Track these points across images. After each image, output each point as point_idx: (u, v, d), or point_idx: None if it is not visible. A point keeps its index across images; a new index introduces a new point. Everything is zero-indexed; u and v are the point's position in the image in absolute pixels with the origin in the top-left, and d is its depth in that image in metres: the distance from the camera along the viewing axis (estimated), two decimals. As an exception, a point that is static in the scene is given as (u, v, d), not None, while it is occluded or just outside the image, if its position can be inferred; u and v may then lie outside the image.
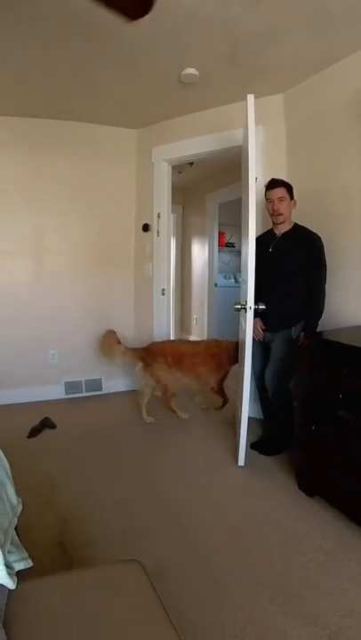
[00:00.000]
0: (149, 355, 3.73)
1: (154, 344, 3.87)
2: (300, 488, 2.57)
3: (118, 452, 3.08)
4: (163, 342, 3.91)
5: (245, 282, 2.81)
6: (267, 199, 2.95)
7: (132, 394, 4.45)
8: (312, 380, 2.45)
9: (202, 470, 2.85)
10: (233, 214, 5.86)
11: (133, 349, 3.81)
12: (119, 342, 3.85)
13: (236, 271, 7.25)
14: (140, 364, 3.73)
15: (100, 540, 2.09)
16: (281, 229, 2.97)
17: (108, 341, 3.87)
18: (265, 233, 3.13)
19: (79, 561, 1.94)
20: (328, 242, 2.85)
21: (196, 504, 2.45)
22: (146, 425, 3.62)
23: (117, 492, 2.56)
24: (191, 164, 5.04)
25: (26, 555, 1.40)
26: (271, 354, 3.02)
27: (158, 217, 4.22)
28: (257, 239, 3.06)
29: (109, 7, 1.74)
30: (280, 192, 2.89)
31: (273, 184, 2.92)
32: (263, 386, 3.13)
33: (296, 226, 2.95)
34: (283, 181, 2.92)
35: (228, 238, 7.48)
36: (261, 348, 3.13)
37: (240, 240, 4.46)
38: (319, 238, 2.84)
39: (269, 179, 2.99)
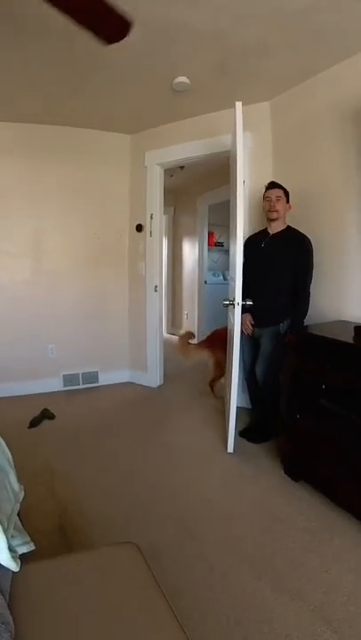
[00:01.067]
0: (211, 342, 4.09)
1: (212, 333, 4.21)
2: (285, 473, 2.58)
3: (115, 441, 3.08)
4: (216, 330, 4.22)
5: (233, 279, 2.82)
6: (265, 198, 2.97)
7: (128, 385, 4.45)
8: (297, 372, 2.46)
9: (194, 457, 2.86)
10: (222, 215, 5.85)
11: (199, 343, 4.24)
12: (189, 343, 4.28)
13: (225, 269, 7.26)
14: (207, 353, 4.07)
15: (97, 525, 2.09)
16: (274, 228, 2.98)
17: (181, 345, 4.27)
18: (258, 232, 3.14)
19: (78, 544, 1.94)
20: (312, 242, 2.86)
21: (188, 489, 2.45)
22: (140, 415, 3.62)
23: (114, 479, 2.56)
24: (182, 167, 5.04)
25: (28, 539, 1.40)
26: (261, 349, 3.02)
27: (151, 218, 4.20)
28: (249, 238, 3.09)
29: (88, 31, 1.75)
30: (278, 192, 2.92)
31: (273, 185, 2.96)
32: (252, 378, 3.14)
33: (289, 227, 2.96)
34: (280, 185, 2.95)
35: (217, 238, 7.48)
36: (251, 342, 3.13)
37: (228, 240, 4.47)
38: (310, 241, 2.85)
39: (259, 181, 3.01)
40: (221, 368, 3.90)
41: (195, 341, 4.45)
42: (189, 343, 4.30)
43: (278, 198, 2.91)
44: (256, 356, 3.07)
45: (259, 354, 3.04)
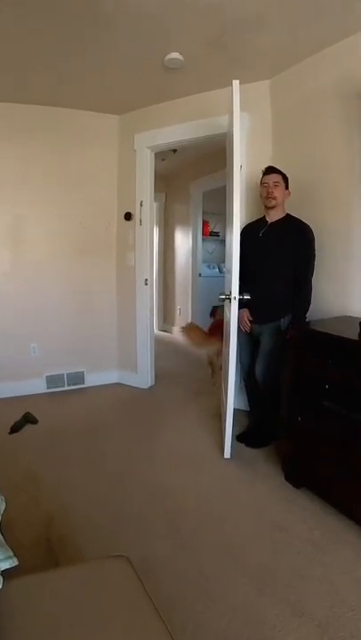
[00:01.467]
0: (215, 329, 4.27)
1: (215, 321, 4.42)
2: (286, 480, 2.60)
3: (103, 446, 3.08)
4: (217, 319, 4.47)
5: (230, 271, 2.82)
6: (262, 184, 2.97)
7: (116, 386, 4.46)
8: (299, 371, 2.47)
9: (187, 463, 2.87)
10: (217, 202, 5.85)
11: (206, 332, 4.45)
12: (198, 329, 4.55)
13: (221, 261, 7.27)
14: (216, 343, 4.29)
15: (86, 536, 2.09)
16: (273, 216, 2.98)
17: (197, 337, 4.43)
18: (255, 221, 3.14)
19: (65, 557, 1.94)
20: (314, 232, 2.87)
21: (182, 497, 2.46)
22: (130, 418, 3.63)
23: (103, 486, 2.57)
24: (175, 151, 5.03)
25: (11, 553, 1.40)
26: (261, 347, 3.03)
27: (141, 205, 4.19)
28: (246, 226, 3.10)
29: None
30: (276, 177, 2.92)
31: (270, 170, 2.96)
32: (251, 378, 3.16)
33: (288, 215, 2.97)
34: (279, 170, 2.95)
35: (212, 227, 7.49)
36: (250, 340, 3.14)
37: (224, 229, 4.47)
38: (311, 230, 2.86)
39: (257, 166, 3.00)
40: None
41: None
42: (196, 335, 4.48)
43: (276, 184, 2.92)
44: (255, 354, 3.09)
45: (258, 352, 3.06)
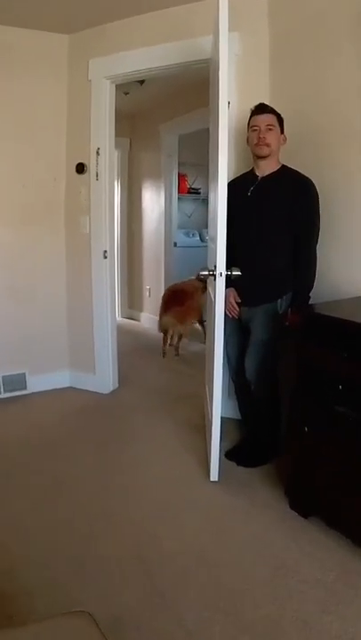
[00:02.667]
0: (172, 300, 5.48)
1: (167, 297, 5.59)
2: (291, 507, 2.64)
3: (54, 472, 3.07)
4: (168, 292, 5.78)
5: (214, 240, 2.82)
6: (251, 127, 2.96)
7: (69, 392, 4.44)
8: (302, 367, 2.50)
9: (164, 490, 2.88)
10: (197, 150, 5.84)
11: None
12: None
13: (203, 226, 7.28)
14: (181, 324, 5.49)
15: (40, 587, 2.08)
16: (265, 169, 2.99)
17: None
18: (242, 175, 3.14)
19: (15, 616, 1.93)
20: (320, 193, 2.89)
21: (159, 532, 2.47)
22: (88, 434, 3.62)
23: (59, 521, 2.56)
24: (142, 82, 4.97)
25: None
26: (251, 336, 3.05)
27: (97, 154, 4.15)
28: (232, 182, 3.06)
29: None
30: (269, 119, 2.91)
31: (261, 109, 2.94)
32: (241, 378, 3.19)
33: (284, 167, 2.97)
34: (273, 109, 2.94)
35: (190, 182, 7.49)
36: (238, 328, 3.16)
37: (207, 185, 4.46)
38: (313, 184, 2.87)
39: (251, 103, 2.99)
40: (187, 333, 5.58)
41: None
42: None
43: (270, 127, 2.91)
44: (245, 346, 3.11)
45: (248, 343, 3.08)
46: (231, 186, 2.89)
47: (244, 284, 2.98)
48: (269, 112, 2.92)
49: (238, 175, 3.17)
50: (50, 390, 4.47)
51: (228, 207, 2.70)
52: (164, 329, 5.54)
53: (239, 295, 3.07)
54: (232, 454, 3.21)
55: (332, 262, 3.00)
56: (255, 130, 2.93)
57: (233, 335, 3.18)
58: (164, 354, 5.64)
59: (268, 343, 2.98)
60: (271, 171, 2.98)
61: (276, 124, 2.92)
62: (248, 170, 3.11)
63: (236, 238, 2.91)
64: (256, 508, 2.68)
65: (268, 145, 2.90)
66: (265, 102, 3.02)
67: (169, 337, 5.54)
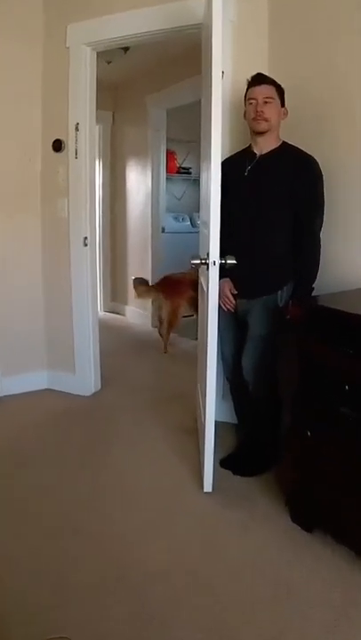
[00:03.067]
0: (164, 287, 5.94)
1: (164, 278, 6.03)
2: (293, 520, 2.64)
3: (30, 483, 3.06)
4: (167, 276, 6.04)
5: (207, 225, 2.81)
6: (248, 100, 2.95)
7: (46, 394, 4.44)
8: (304, 366, 2.50)
9: (153, 503, 2.88)
10: (188, 125, 5.82)
11: (151, 286, 6.07)
12: (140, 284, 6.07)
13: (194, 210, 7.27)
14: (160, 297, 5.90)
15: (16, 617, 2.07)
16: (263, 146, 2.98)
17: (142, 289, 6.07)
18: (239, 152, 3.14)
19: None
20: (325, 174, 2.90)
21: (147, 549, 2.47)
22: (68, 440, 3.62)
23: (34, 538, 2.55)
24: (126, 49, 4.95)
25: None
26: (249, 331, 3.05)
27: (77, 129, 4.13)
28: (227, 161, 3.06)
29: None
30: (267, 91, 2.89)
31: (259, 79, 2.93)
32: (237, 378, 3.19)
33: (285, 144, 2.97)
34: (273, 81, 2.93)
35: (180, 161, 7.48)
36: (234, 323, 3.17)
37: (198, 164, 4.45)
38: (316, 162, 2.87)
39: (247, 73, 2.98)
40: (177, 317, 5.70)
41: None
42: (140, 285, 5.99)
43: (268, 100, 2.90)
44: (242, 343, 3.11)
45: (246, 340, 3.08)
46: (226, 165, 2.85)
47: (242, 272, 2.97)
48: (268, 83, 2.91)
49: (234, 153, 3.16)
50: (25, 393, 4.45)
51: (222, 189, 2.67)
52: (141, 296, 6.13)
53: (235, 286, 3.08)
54: (227, 462, 3.21)
55: (337, 250, 3.00)
56: (252, 103, 2.92)
57: (228, 330, 3.19)
58: (165, 349, 5.84)
59: (268, 339, 2.98)
60: (271, 148, 2.98)
61: (276, 97, 2.91)
62: (245, 147, 3.11)
63: (233, 223, 2.91)
64: (254, 521, 2.69)
65: (266, 120, 2.90)
66: (263, 71, 3.01)
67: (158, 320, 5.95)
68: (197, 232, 4.23)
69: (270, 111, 2.89)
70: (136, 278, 6.18)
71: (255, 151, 3.02)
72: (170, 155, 7.04)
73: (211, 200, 2.68)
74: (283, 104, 2.96)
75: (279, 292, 2.95)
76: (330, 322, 2.39)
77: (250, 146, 3.06)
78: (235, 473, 3.13)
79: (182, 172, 7.47)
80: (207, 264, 2.74)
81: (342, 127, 3.01)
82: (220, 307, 2.97)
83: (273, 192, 2.92)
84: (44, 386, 4.57)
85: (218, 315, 2.80)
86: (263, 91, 2.90)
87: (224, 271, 2.83)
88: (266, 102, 2.89)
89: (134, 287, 6.11)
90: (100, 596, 2.18)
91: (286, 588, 2.21)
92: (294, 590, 2.20)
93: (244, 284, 3.05)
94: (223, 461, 3.21)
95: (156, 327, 6.20)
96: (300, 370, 2.54)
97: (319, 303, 2.60)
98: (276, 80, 2.97)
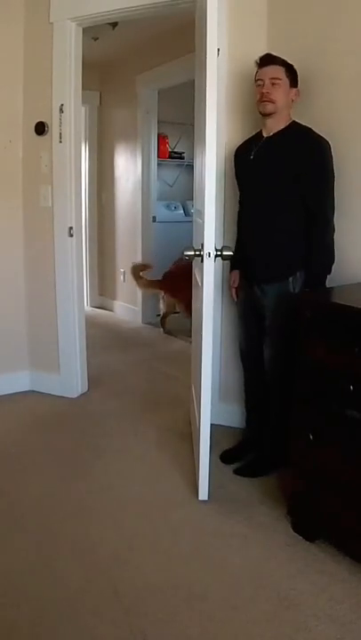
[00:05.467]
0: (170, 284, 6.04)
1: (169, 273, 6.09)
2: (295, 530, 2.65)
3: (11, 492, 3.06)
4: (172, 268, 6.05)
5: (201, 214, 2.81)
6: (255, 81, 2.98)
7: (28, 396, 4.44)
8: (307, 364, 2.51)
9: (144, 513, 2.88)
10: (180, 107, 5.84)
11: (155, 281, 6.18)
12: (141, 276, 6.22)
13: (187, 198, 7.27)
14: (163, 293, 6.18)
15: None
16: (271, 128, 3.01)
17: (133, 274, 6.30)
18: (250, 138, 3.17)
19: None
20: (336, 156, 2.91)
21: (138, 563, 2.48)
22: (52, 445, 3.62)
23: (18, 552, 2.55)
24: (114, 25, 4.94)
25: None
26: (266, 320, 3.08)
27: (61, 111, 4.12)
28: (239, 148, 3.19)
29: None
30: (275, 71, 2.91)
31: (267, 60, 2.96)
32: (251, 364, 3.28)
33: (294, 124, 2.99)
34: (283, 61, 2.94)
35: (172, 145, 7.47)
36: (249, 311, 3.21)
37: (192, 148, 4.45)
38: (327, 144, 2.89)
39: (246, 50, 3.04)
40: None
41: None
42: (141, 277, 6.07)
43: (275, 81, 2.91)
44: (259, 332, 3.15)
45: (265, 328, 3.10)
46: (239, 150, 3.11)
47: (252, 255, 3.06)
48: (277, 64, 2.93)
49: (245, 140, 3.20)
50: (6, 395, 4.44)
51: (235, 176, 2.79)
52: (145, 288, 6.47)
53: (247, 273, 3.14)
54: (230, 456, 3.26)
55: (350, 237, 3.02)
56: (259, 84, 2.95)
57: (243, 317, 3.28)
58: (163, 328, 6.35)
59: (281, 329, 3.00)
60: (278, 128, 2.99)
61: (285, 77, 2.92)
62: (257, 132, 3.13)
63: (242, 208, 2.96)
64: (254, 531, 2.69)
65: (272, 101, 2.91)
66: (262, 52, 3.02)
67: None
68: (191, 221, 4.23)
69: (277, 92, 2.91)
70: (136, 265, 6.24)
71: (263, 134, 3.04)
72: (161, 138, 7.02)
73: (205, 187, 2.68)
74: (294, 84, 2.97)
75: (291, 278, 2.96)
76: (334, 317, 2.40)
77: (260, 131, 3.09)
78: (237, 473, 3.17)
79: (175, 156, 7.45)
80: (201, 256, 2.72)
81: (344, 107, 3.01)
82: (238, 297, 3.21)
83: (277, 174, 2.94)
84: (26, 387, 4.56)
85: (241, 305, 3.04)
86: (270, 71, 2.92)
87: (234, 262, 3.02)
88: (273, 84, 2.90)
89: (134, 277, 6.17)
90: (88, 612, 2.19)
91: (288, 602, 2.22)
92: (296, 604, 2.21)
93: (254, 269, 3.10)
94: (224, 456, 3.27)
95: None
96: (300, 368, 2.54)
97: (323, 297, 2.60)
98: (274, 52, 2.99)
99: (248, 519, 2.79)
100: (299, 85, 2.99)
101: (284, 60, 2.94)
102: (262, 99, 2.93)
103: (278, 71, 2.92)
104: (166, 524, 2.78)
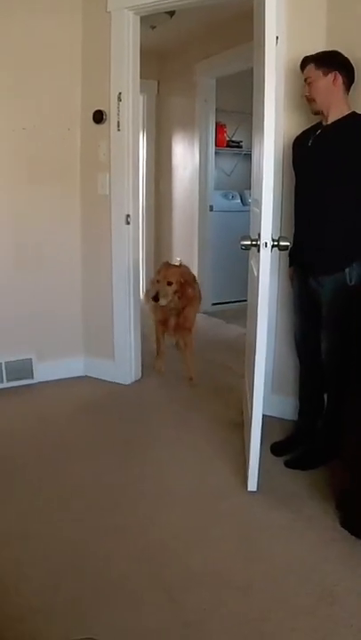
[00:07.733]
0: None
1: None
2: (342, 525, 2.62)
3: (64, 478, 3.10)
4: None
5: (258, 203, 2.79)
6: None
7: (83, 382, 4.48)
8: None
9: (192, 502, 2.89)
10: (239, 95, 5.79)
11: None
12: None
13: (244, 187, 7.20)
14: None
15: (48, 612, 2.10)
16: (330, 118, 2.98)
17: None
18: (310, 127, 3.15)
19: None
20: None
21: (185, 552, 2.49)
22: (105, 432, 3.66)
23: (65, 534, 2.58)
24: (172, 13, 4.92)
25: None
26: (323, 313, 3.06)
27: (119, 100, 4.14)
28: (297, 138, 3.20)
29: None
30: (307, 71, 2.99)
31: (301, 63, 3.02)
32: (307, 357, 3.29)
33: (353, 114, 2.95)
34: (312, 56, 2.95)
35: (230, 134, 7.41)
36: (306, 303, 3.20)
37: (250, 137, 4.41)
38: None
39: (305, 38, 3.07)
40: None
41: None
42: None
43: (309, 80, 2.97)
44: (315, 324, 3.13)
45: (321, 320, 3.09)
46: (298, 139, 3.18)
47: (307, 245, 3.06)
48: (307, 63, 2.98)
49: (304, 130, 3.19)
50: (61, 380, 4.51)
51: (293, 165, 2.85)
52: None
53: (305, 265, 3.14)
54: (279, 449, 3.25)
55: None
56: (306, 85, 3.03)
57: (300, 309, 3.30)
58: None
59: (338, 321, 2.97)
60: (336, 118, 2.96)
61: (315, 71, 2.93)
62: (318, 121, 3.12)
63: (298, 197, 3.03)
64: (301, 524, 2.67)
65: (312, 100, 2.99)
66: (321, 40, 3.07)
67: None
68: (248, 211, 4.20)
69: (313, 90, 2.97)
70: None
71: (323, 123, 3.03)
72: (219, 127, 6.98)
73: (263, 176, 2.65)
74: (329, 70, 2.90)
75: (347, 269, 2.91)
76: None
77: (321, 121, 3.08)
78: (288, 466, 3.15)
79: (232, 145, 7.39)
80: (258, 246, 2.69)
81: None
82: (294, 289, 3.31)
83: (332, 162, 2.91)
84: (80, 373, 4.62)
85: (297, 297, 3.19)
86: (305, 73, 3.01)
87: (293, 255, 3.18)
88: (308, 83, 2.98)
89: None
90: (133, 598, 2.21)
91: (331, 597, 2.20)
92: (339, 600, 2.18)
93: (307, 260, 3.11)
94: (275, 447, 3.27)
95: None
96: (358, 361, 2.51)
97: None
98: (336, 43, 2.99)
99: (296, 512, 2.77)
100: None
101: (310, 56, 2.97)
102: (307, 100, 3.02)
103: (309, 70, 2.96)
104: (214, 513, 2.79)
